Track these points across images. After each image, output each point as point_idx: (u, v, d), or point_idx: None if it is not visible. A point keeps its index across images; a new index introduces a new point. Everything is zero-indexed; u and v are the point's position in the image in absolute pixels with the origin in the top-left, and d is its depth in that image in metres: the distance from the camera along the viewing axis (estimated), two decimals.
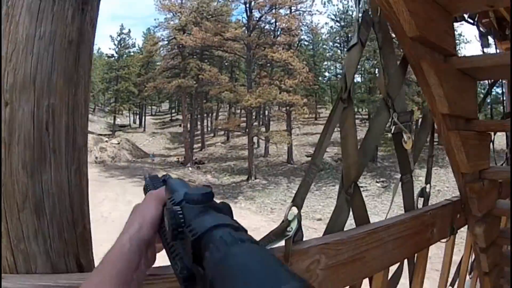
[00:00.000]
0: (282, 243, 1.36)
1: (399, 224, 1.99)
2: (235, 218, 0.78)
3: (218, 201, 0.80)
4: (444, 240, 2.59)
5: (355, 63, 1.72)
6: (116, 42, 65.12)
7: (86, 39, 1.09)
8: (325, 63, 60.10)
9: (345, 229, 1.77)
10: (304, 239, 1.51)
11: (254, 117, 46.73)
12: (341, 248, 1.60)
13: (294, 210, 1.42)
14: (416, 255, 2.39)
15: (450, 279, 3.10)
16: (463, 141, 2.38)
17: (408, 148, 2.09)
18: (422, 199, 2.43)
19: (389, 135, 2.12)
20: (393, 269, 2.18)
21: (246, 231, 0.72)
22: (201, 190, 0.81)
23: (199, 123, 57.07)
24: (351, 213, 1.82)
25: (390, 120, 1.96)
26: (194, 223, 0.73)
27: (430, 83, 2.11)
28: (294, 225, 1.34)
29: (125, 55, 64.91)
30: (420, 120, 2.59)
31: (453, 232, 2.59)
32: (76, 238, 1.13)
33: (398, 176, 2.27)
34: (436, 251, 2.67)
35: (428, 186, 2.48)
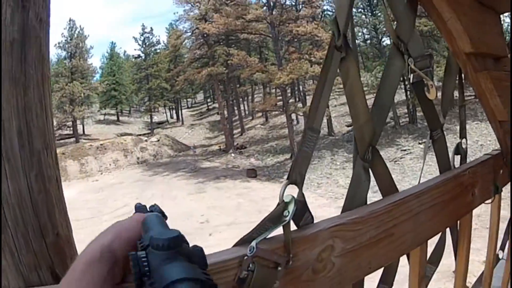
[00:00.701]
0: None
1: (433, 189, 1.69)
2: None
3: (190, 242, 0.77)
4: (489, 201, 2.29)
5: (347, 2, 1.43)
6: (140, 42, 67.36)
7: (32, 36, 1.02)
8: None
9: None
10: None
11: (289, 94, 47.91)
12: (361, 228, 1.32)
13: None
14: (458, 222, 2.11)
15: (499, 243, 2.79)
16: (495, 83, 2.08)
17: (433, 98, 1.79)
18: (459, 156, 2.13)
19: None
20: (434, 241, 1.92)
21: (214, 286, 0.66)
22: (168, 233, 0.74)
23: (235, 108, 58.09)
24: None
25: (406, 67, 1.66)
26: (156, 275, 0.67)
27: (445, 18, 1.81)
28: (291, 208, 1.08)
29: (152, 54, 66.88)
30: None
31: (497, 191, 2.27)
32: (47, 248, 1.04)
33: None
34: (485, 208, 2.38)
35: (463, 141, 2.15)
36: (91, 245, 0.81)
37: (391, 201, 1.48)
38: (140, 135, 57.81)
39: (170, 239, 0.71)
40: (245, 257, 1.02)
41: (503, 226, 2.74)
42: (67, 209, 1.16)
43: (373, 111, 1.55)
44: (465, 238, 2.16)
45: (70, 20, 63.26)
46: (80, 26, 64.84)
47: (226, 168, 44.50)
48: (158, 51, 67.80)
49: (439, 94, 1.90)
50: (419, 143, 37.54)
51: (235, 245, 1.09)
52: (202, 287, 0.63)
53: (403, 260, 1.75)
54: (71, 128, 59.87)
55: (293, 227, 1.17)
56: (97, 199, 34.07)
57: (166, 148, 52.80)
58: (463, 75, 2.16)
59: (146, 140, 52.98)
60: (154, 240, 0.72)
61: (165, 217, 0.99)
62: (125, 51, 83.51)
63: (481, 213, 2.29)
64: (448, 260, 2.32)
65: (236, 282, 1.01)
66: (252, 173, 40.38)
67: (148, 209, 1.02)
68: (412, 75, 1.68)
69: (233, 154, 47.99)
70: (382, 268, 1.75)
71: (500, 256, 2.77)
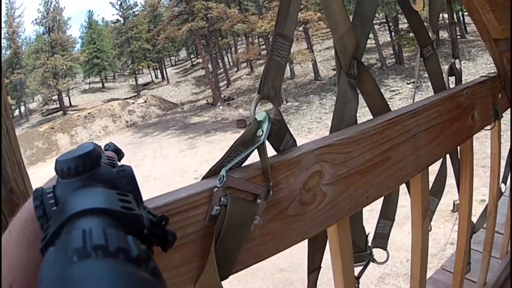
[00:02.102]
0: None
1: (430, 108, 1.50)
2: None
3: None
4: (489, 127, 2.12)
5: None
6: (117, 7, 67.29)
7: None
8: None
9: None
10: None
11: None
12: (352, 150, 1.14)
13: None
14: (459, 148, 1.95)
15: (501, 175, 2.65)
16: None
17: (419, 9, 1.61)
18: (454, 78, 1.95)
19: (411, 34, 1.66)
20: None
21: (136, 216, 0.47)
22: (77, 151, 0.55)
23: (219, 61, 58.62)
24: None
25: None
26: (56, 212, 0.48)
27: None
28: (265, 126, 0.91)
29: (130, 17, 66.95)
30: None
31: (497, 116, 2.10)
32: None
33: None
34: (478, 145, 2.24)
35: (457, 61, 1.97)
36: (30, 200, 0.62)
37: (385, 120, 1.29)
38: (126, 98, 58.05)
39: (77, 158, 0.53)
40: (215, 189, 0.84)
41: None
42: (23, 163, 1.06)
43: (354, 22, 1.34)
44: (467, 167, 2.01)
45: None
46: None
47: (216, 121, 45.09)
48: (137, 13, 67.16)
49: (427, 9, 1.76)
50: (407, 83, 37.88)
51: (204, 178, 0.91)
52: (115, 220, 0.44)
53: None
54: (58, 102, 59.61)
55: (273, 152, 1.00)
56: None
57: (154, 108, 53.02)
58: None
59: (133, 103, 53.36)
60: (58, 164, 0.54)
61: (120, 154, 0.84)
62: (103, 18, 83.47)
63: (475, 151, 2.14)
64: (445, 199, 2.19)
65: (208, 220, 0.84)
66: (242, 124, 40.95)
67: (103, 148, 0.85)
68: None
69: (221, 107, 48.43)
70: (382, 202, 1.63)
71: (503, 190, 2.65)
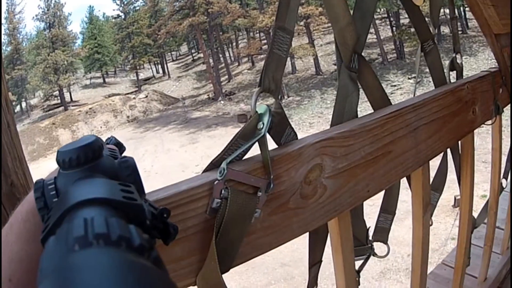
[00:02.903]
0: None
1: (430, 102, 1.51)
2: None
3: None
4: (490, 122, 2.12)
5: None
6: (118, 2, 66.66)
7: None
8: None
9: None
10: None
11: None
12: (353, 143, 1.15)
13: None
14: (460, 143, 1.95)
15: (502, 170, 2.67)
16: None
17: (420, 4, 1.62)
18: (455, 73, 1.95)
19: (412, 29, 1.65)
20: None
21: (138, 206, 0.46)
22: (79, 142, 0.54)
23: (220, 56, 58.50)
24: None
25: None
26: (57, 204, 0.48)
27: None
28: (265, 118, 0.91)
29: (131, 12, 66.65)
30: None
31: (498, 111, 2.11)
32: (0, 200, 0.95)
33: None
34: (479, 141, 2.25)
35: (458, 56, 1.97)
36: (30, 194, 0.61)
37: (385, 113, 1.29)
38: (127, 93, 58.04)
39: (79, 149, 0.53)
40: (216, 182, 0.84)
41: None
42: (25, 157, 1.05)
43: (354, 16, 1.35)
44: (468, 161, 2.01)
45: None
46: None
47: (217, 116, 45.20)
48: (138, 8, 67.14)
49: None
50: (409, 78, 37.87)
51: (204, 171, 0.91)
52: (117, 209, 0.44)
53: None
54: (59, 97, 59.51)
55: (273, 145, 1.00)
56: None
57: (155, 103, 53.09)
58: None
59: (134, 98, 53.41)
60: (60, 155, 0.53)
61: (121, 148, 0.82)
62: (104, 13, 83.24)
63: (476, 146, 2.15)
64: (446, 194, 2.20)
65: (208, 213, 0.84)
66: (243, 118, 41.03)
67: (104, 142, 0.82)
68: None
69: (222, 101, 48.56)
70: (382, 196, 1.63)
71: (504, 185, 2.66)
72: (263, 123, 0.91)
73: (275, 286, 14.61)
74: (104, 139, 0.83)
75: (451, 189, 1.97)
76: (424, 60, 1.80)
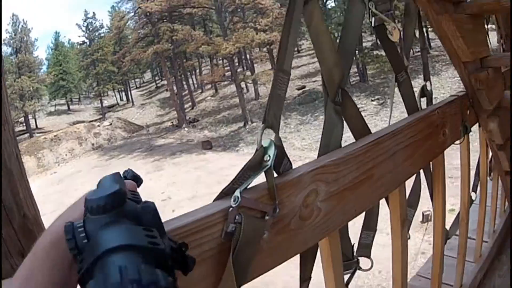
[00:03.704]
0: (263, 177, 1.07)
1: (406, 129, 1.66)
2: None
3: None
4: (458, 142, 2.30)
5: None
6: (84, 29, 66.58)
7: None
8: None
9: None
10: None
11: (237, 63, 48.50)
12: (342, 170, 1.28)
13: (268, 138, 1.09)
14: (431, 163, 2.11)
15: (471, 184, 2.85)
16: (457, 25, 2.08)
17: (396, 40, 1.76)
18: (425, 99, 2.11)
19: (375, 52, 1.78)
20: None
21: (161, 251, 0.54)
22: (105, 191, 0.60)
23: (184, 83, 58.19)
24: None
25: (367, 11, 1.61)
26: (88, 246, 0.55)
27: None
28: (271, 152, 1.02)
29: (96, 38, 66.41)
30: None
31: (466, 131, 2.29)
32: (15, 232, 0.96)
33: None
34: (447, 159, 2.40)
35: (428, 83, 2.14)
36: (57, 222, 0.68)
37: (368, 141, 1.44)
38: (92, 121, 57.33)
39: (106, 197, 0.58)
40: (230, 209, 0.94)
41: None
42: (31, 190, 1.09)
43: (340, 54, 1.49)
44: (439, 178, 2.16)
45: (13, 15, 62.07)
46: (23, 20, 63.87)
47: (181, 143, 45.02)
48: (103, 35, 66.80)
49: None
50: (372, 100, 38.30)
51: (215, 200, 1.01)
52: (144, 255, 0.51)
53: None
54: (24, 124, 58.47)
55: None
56: (58, 191, 34.23)
57: (120, 130, 52.59)
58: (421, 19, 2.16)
59: (98, 125, 52.86)
60: (89, 202, 0.59)
61: (139, 181, 0.87)
62: (69, 40, 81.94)
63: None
64: None
65: (223, 237, 0.94)
66: (207, 145, 41.13)
67: (122, 176, 0.86)
68: (373, 18, 1.64)
69: (186, 129, 48.39)
70: (364, 215, 1.75)
71: (473, 197, 2.83)
72: (270, 156, 1.02)
73: None
74: (121, 172, 0.88)
75: (419, 204, 2.06)
76: (397, 88, 1.94)
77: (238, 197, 0.95)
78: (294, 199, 1.11)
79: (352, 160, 1.33)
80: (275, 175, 1.11)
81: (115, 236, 0.53)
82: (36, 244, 0.65)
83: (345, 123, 1.47)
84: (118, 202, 0.59)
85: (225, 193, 1.00)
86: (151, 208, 0.63)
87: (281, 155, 1.13)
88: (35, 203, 1.08)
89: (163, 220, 0.66)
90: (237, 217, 0.94)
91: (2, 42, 56.33)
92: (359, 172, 1.36)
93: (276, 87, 1.15)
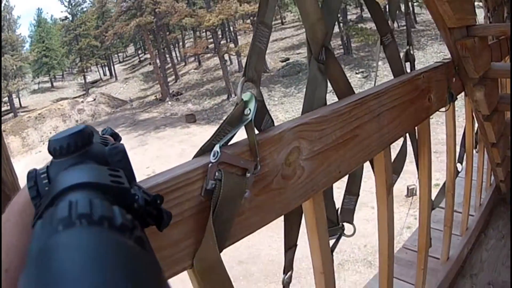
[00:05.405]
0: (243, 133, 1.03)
1: (391, 90, 1.63)
2: None
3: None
4: (444, 109, 2.29)
5: None
6: (66, 3, 65.21)
7: None
8: None
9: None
10: None
11: (220, 35, 48.18)
12: (326, 128, 1.25)
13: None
14: (417, 129, 2.09)
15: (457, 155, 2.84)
16: None
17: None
18: (409, 64, 2.08)
19: (360, 25, 1.74)
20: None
21: (125, 189, 0.49)
22: (69, 131, 0.56)
23: (167, 56, 57.92)
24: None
25: None
26: (49, 190, 0.50)
27: None
28: (252, 105, 0.97)
29: (79, 13, 65.25)
30: None
31: (452, 98, 2.27)
32: None
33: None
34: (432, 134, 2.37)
35: (411, 48, 2.11)
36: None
37: (352, 100, 1.41)
38: (76, 97, 56.80)
39: (69, 137, 0.54)
40: (210, 165, 0.90)
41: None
42: (9, 155, 1.08)
43: (322, 12, 1.44)
44: (425, 145, 2.15)
45: None
46: None
47: (165, 116, 44.97)
48: (85, 9, 65.89)
49: None
50: (356, 73, 38.32)
51: (194, 157, 0.97)
52: (104, 193, 0.46)
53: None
54: (8, 104, 57.69)
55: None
56: None
57: (103, 106, 52.21)
58: None
59: (82, 102, 52.36)
60: (51, 143, 0.55)
61: (117, 138, 0.84)
62: (52, 15, 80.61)
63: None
64: (398, 184, 2.31)
65: (203, 194, 0.90)
66: (191, 118, 41.10)
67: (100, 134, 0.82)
68: None
69: (170, 102, 48.22)
70: (347, 178, 1.71)
71: (459, 169, 2.82)
72: (250, 109, 0.98)
73: (235, 285, 14.54)
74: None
75: (403, 179, 2.03)
76: (383, 53, 1.90)
77: (217, 152, 0.91)
78: (276, 157, 1.08)
79: (336, 118, 1.30)
80: (257, 132, 1.07)
81: (75, 175, 0.48)
82: (9, 206, 0.60)
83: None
84: (82, 142, 0.55)
85: (204, 150, 0.96)
86: (119, 149, 0.59)
87: (262, 111, 1.10)
88: (14, 171, 1.07)
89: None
90: (217, 173, 0.90)
91: None
92: (344, 131, 1.33)
93: (256, 40, 1.11)
